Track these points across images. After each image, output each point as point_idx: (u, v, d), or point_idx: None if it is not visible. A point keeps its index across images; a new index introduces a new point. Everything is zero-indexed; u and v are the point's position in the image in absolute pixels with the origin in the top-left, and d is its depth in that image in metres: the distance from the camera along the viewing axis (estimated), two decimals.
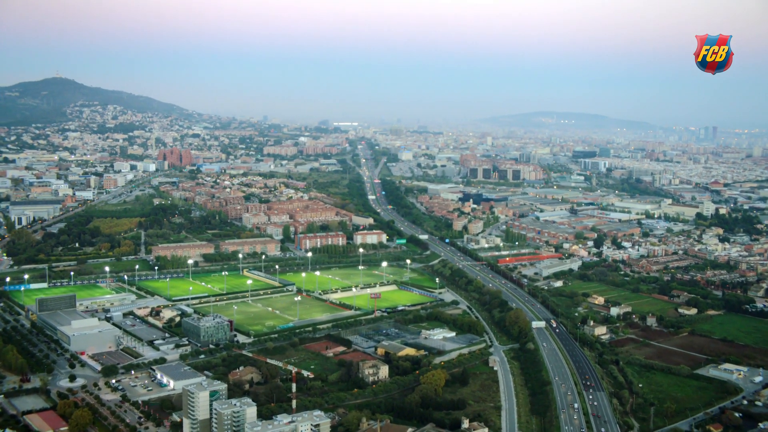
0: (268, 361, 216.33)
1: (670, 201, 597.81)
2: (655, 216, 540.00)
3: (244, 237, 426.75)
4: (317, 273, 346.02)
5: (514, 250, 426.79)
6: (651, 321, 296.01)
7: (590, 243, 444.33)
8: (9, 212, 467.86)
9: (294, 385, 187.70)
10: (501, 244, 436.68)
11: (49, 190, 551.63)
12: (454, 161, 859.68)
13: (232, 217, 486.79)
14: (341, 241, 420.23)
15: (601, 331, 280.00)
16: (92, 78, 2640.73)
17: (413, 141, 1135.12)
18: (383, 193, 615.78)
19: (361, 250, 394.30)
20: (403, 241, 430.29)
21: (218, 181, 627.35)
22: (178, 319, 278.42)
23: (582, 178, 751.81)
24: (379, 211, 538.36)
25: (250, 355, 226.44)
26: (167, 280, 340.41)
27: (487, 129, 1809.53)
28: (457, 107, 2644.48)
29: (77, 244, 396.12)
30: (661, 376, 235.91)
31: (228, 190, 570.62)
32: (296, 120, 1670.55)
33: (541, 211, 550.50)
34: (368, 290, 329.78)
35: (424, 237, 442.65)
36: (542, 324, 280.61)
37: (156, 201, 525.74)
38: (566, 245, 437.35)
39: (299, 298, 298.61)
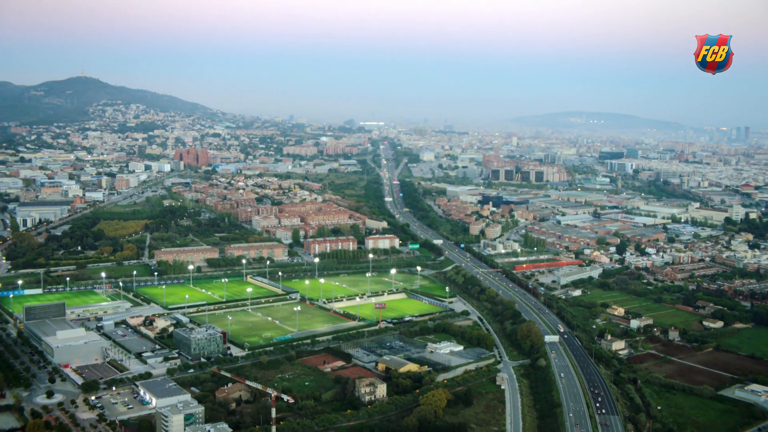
0: (247, 383, 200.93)
1: (698, 205, 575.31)
2: (682, 220, 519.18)
3: (251, 241, 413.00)
4: (321, 280, 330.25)
5: (532, 256, 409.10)
6: (673, 335, 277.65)
7: (612, 249, 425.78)
8: (16, 213, 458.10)
9: (273, 410, 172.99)
10: (519, 250, 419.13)
11: (59, 191, 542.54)
12: (477, 162, 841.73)
13: (242, 219, 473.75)
14: (352, 245, 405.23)
15: (619, 345, 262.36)
16: (117, 77, 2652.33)
17: (436, 141, 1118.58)
18: (401, 195, 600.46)
19: (371, 255, 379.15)
20: (417, 246, 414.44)
21: (232, 182, 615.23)
22: (171, 329, 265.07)
23: (607, 179, 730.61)
24: (395, 214, 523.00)
25: (229, 375, 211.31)
26: (165, 286, 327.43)
27: (514, 129, 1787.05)
28: (485, 107, 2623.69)
29: (79, 248, 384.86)
30: (682, 397, 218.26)
31: (241, 191, 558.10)
32: (322, 119, 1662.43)
33: (563, 214, 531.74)
34: (374, 299, 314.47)
35: (438, 242, 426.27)
36: (556, 338, 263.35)
37: (166, 202, 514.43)
38: (587, 251, 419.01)
39: (299, 308, 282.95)
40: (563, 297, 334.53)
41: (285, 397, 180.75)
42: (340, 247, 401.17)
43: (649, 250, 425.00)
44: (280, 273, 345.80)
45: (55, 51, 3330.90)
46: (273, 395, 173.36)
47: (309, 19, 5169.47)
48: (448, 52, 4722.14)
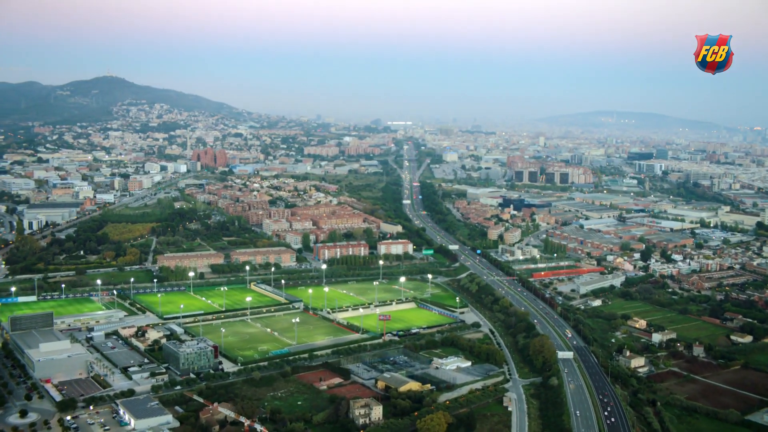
0: (220, 409, 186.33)
1: (728, 208, 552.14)
2: (711, 225, 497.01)
3: (260, 246, 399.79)
4: (326, 289, 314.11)
5: (551, 263, 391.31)
6: (698, 350, 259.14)
7: (637, 255, 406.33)
8: (24, 216, 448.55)
9: None
10: (538, 256, 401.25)
11: (70, 192, 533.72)
12: (501, 163, 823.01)
13: (253, 222, 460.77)
14: (363, 251, 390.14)
15: (638, 362, 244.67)
16: (143, 77, 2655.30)
17: (462, 141, 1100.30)
18: (420, 197, 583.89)
19: (381, 262, 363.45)
20: (431, 252, 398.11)
21: (247, 183, 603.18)
22: (164, 340, 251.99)
23: (635, 181, 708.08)
24: (412, 217, 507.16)
25: (201, 400, 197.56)
26: (163, 294, 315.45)
27: (543, 129, 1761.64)
28: (515, 106, 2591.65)
29: (82, 252, 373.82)
30: (705, 422, 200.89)
31: (255, 193, 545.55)
32: (349, 119, 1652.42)
33: (587, 218, 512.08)
34: (380, 309, 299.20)
35: (454, 247, 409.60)
36: (570, 354, 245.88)
37: (177, 205, 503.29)
38: (610, 258, 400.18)
39: (297, 319, 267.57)
40: (582, 307, 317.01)
41: (258, 428, 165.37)
42: (351, 253, 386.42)
43: (676, 256, 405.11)
44: (283, 281, 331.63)
45: (82, 51, 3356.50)
46: (246, 424, 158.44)
47: (339, 19, 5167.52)
48: (479, 51, 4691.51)
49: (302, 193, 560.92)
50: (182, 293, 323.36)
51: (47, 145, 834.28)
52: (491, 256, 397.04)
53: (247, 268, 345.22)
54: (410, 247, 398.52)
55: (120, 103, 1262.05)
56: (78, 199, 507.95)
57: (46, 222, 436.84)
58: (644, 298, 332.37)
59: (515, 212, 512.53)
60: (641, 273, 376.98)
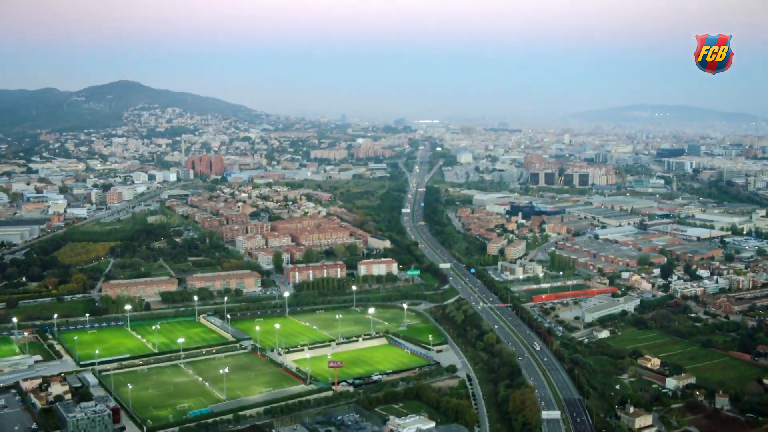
0: None
1: (764, 211, 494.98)
2: (744, 232, 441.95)
3: (227, 267, 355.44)
4: (277, 326, 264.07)
5: (557, 282, 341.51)
6: (721, 401, 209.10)
7: (656, 271, 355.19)
8: None
9: None
10: (541, 274, 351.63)
11: (43, 207, 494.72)
12: (519, 163, 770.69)
13: (227, 239, 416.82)
14: (340, 272, 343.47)
15: (644, 421, 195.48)
16: (161, 80, 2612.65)
17: (482, 140, 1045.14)
18: (422, 204, 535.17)
19: (354, 287, 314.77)
20: (417, 272, 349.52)
21: (236, 192, 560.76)
22: (69, 396, 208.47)
23: (662, 181, 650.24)
24: (408, 228, 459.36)
25: None
26: (95, 330, 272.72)
27: (573, 124, 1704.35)
28: (547, 102, 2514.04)
29: (24, 279, 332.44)
30: None
31: (240, 204, 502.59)
32: (376, 118, 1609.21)
33: (603, 226, 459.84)
34: (341, 349, 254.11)
35: (445, 266, 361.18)
36: (557, 414, 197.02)
37: (151, 219, 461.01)
38: (625, 275, 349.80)
39: (227, 369, 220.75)
40: (585, 340, 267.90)
41: None
42: (325, 275, 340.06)
43: (701, 272, 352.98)
44: (229, 315, 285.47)
45: (101, 56, 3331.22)
46: None
47: (365, 16, 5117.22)
48: (511, 46, 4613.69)
49: (291, 203, 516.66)
50: (119, 329, 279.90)
51: (44, 154, 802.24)
52: (488, 276, 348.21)
53: (196, 297, 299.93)
54: (395, 267, 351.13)
55: (132, 108, 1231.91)
56: (47, 215, 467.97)
57: (2, 242, 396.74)
58: (661, 327, 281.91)
59: (523, 221, 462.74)
60: (660, 293, 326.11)
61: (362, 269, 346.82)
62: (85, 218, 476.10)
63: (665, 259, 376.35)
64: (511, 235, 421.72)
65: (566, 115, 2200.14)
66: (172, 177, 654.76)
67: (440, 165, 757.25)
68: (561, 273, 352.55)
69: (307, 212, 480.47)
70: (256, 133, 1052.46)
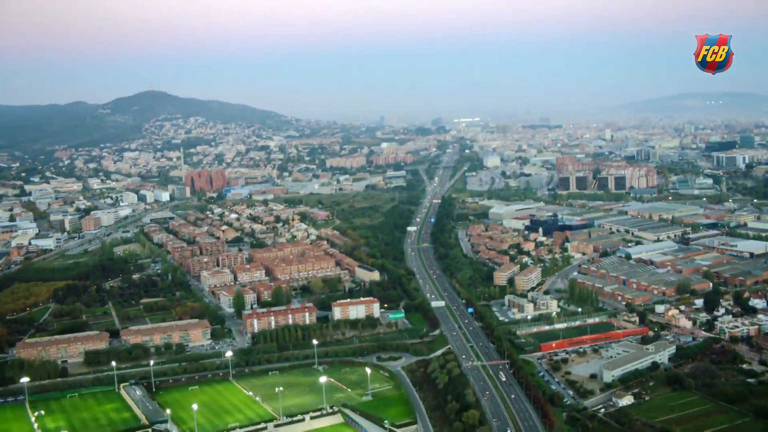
0: None
1: None
2: None
3: (179, 312, 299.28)
4: (195, 406, 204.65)
5: (575, 321, 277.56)
6: None
7: (699, 302, 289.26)
8: None
9: None
10: (555, 312, 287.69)
11: (9, 238, 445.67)
12: (551, 165, 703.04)
13: (195, 273, 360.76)
14: (308, 317, 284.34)
15: None
16: (190, 90, 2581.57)
17: (516, 140, 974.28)
18: (433, 220, 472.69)
19: (315, 341, 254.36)
20: (401, 314, 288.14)
21: (226, 213, 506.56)
22: None
23: (710, 180, 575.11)
24: (409, 252, 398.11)
25: None
26: None
27: (618, 117, 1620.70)
28: (594, 94, 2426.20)
29: None
30: None
31: (225, 228, 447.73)
32: (415, 118, 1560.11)
33: (638, 242, 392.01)
34: (287, 430, 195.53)
35: (439, 304, 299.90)
36: None
37: (121, 250, 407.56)
38: (660, 308, 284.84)
39: None
40: (602, 411, 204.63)
41: None
42: (291, 321, 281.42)
43: (756, 301, 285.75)
44: (158, 382, 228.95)
45: (131, 68, 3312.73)
46: None
47: (407, 15, 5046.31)
48: (556, 39, 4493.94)
49: (282, 224, 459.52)
50: (18, 407, 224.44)
51: (48, 173, 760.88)
52: (489, 316, 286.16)
53: (114, 363, 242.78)
54: (376, 308, 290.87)
55: (154, 119, 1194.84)
56: (8, 248, 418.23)
57: None
58: (703, 386, 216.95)
59: (543, 238, 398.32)
60: (703, 333, 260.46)
61: (337, 312, 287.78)
62: (51, 250, 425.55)
63: (710, 284, 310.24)
64: (525, 259, 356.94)
65: (613, 107, 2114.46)
66: (165, 196, 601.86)
67: (464, 170, 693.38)
68: (580, 310, 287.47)
69: (296, 236, 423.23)
70: (278, 140, 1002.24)
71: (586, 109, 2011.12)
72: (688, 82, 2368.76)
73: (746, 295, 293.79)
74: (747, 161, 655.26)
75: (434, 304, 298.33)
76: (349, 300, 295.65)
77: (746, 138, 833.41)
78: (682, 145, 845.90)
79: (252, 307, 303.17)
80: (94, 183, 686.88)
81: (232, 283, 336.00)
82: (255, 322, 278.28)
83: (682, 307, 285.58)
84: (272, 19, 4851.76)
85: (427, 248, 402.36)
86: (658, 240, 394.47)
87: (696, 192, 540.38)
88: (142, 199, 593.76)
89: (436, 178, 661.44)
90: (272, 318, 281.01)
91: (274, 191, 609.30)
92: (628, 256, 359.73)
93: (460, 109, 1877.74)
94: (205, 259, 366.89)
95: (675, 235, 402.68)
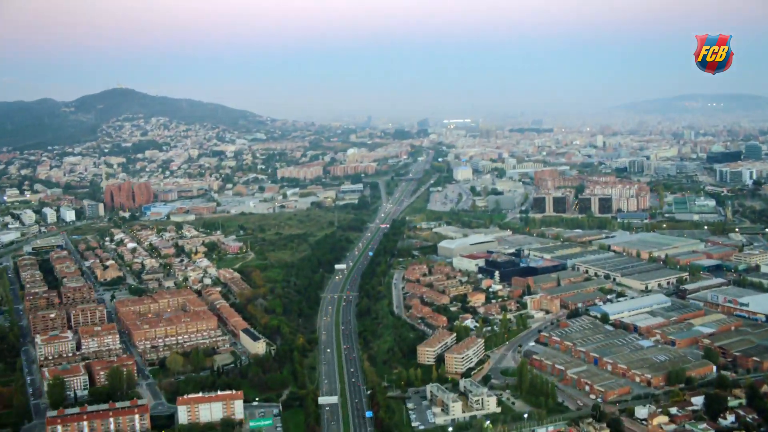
0: None
1: None
2: None
3: None
4: None
5: None
6: None
7: (697, 402, 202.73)
8: None
9: None
10: (488, 424, 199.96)
11: None
12: (529, 178, 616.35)
13: (35, 333, 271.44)
14: (139, 423, 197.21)
15: None
16: (163, 87, 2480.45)
17: (497, 147, 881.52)
18: (371, 254, 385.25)
19: None
20: (267, 422, 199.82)
21: (126, 240, 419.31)
22: None
23: (712, 202, 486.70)
24: (326, 305, 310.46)
25: None
26: None
27: (615, 119, 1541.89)
28: (592, 93, 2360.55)
29: None
30: None
31: (111, 263, 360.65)
32: (404, 118, 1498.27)
33: (619, 294, 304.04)
34: None
35: (329, 400, 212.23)
36: None
37: None
38: (641, 411, 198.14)
39: None
40: None
41: None
42: (112, 428, 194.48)
43: None
44: None
45: (102, 64, 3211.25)
46: None
47: (398, 11, 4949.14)
48: (552, 37, 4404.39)
49: (179, 260, 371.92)
50: None
51: None
52: (399, 418, 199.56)
53: None
54: (239, 407, 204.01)
55: (114, 118, 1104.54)
56: None
57: None
58: None
59: (499, 286, 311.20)
60: None
61: (182, 412, 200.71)
62: None
63: (713, 367, 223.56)
64: (467, 321, 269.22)
65: (611, 107, 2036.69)
66: (70, 215, 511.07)
67: (429, 185, 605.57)
68: (526, 416, 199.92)
69: (189, 278, 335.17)
70: (240, 144, 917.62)
71: (584, 109, 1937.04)
72: (688, 83, 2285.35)
73: (765, 388, 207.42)
74: (754, 176, 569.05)
75: (324, 400, 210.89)
76: (200, 395, 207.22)
77: (752, 147, 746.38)
78: (680, 154, 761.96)
79: (76, 398, 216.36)
80: (13, 195, 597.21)
81: (72, 354, 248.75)
82: (58, 428, 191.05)
83: (674, 410, 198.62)
84: (261, 15, 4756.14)
85: (351, 299, 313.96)
86: (646, 290, 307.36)
87: (695, 218, 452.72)
88: (43, 218, 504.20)
89: (396, 194, 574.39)
90: (84, 424, 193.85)
91: (201, 210, 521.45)
92: (605, 318, 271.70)
93: (454, 108, 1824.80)
94: (52, 315, 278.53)
95: (668, 283, 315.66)
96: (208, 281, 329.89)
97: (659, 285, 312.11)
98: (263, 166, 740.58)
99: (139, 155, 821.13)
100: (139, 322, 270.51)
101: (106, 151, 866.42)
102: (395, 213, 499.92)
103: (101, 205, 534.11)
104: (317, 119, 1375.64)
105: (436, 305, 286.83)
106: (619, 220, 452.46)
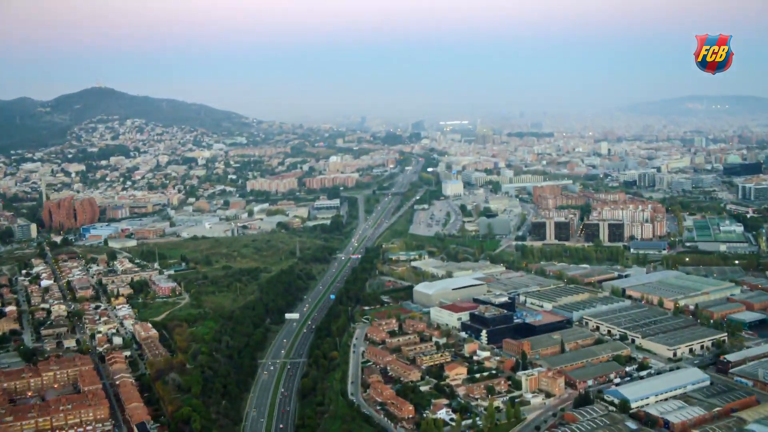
0: None
1: None
2: None
3: None
4: None
5: None
6: None
7: None
8: None
9: None
10: None
11: None
12: (527, 193, 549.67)
13: None
14: None
15: None
16: (146, 87, 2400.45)
17: (493, 156, 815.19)
18: (332, 297, 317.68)
19: None
20: None
21: (45, 274, 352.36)
22: None
23: (740, 227, 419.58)
24: (265, 376, 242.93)
25: None
26: None
27: (618, 122, 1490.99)
28: (594, 94, 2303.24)
29: None
30: None
31: (9, 309, 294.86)
32: (399, 120, 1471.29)
33: (639, 367, 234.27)
34: None
35: None
36: None
37: None
38: None
39: None
40: None
41: None
42: None
43: None
44: None
45: (85, 62, 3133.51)
46: None
47: (404, 11, 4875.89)
48: (554, 35, 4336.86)
49: (97, 308, 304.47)
50: None
51: None
52: None
53: None
54: None
55: (88, 120, 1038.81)
56: None
57: None
58: None
59: (487, 352, 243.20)
60: None
61: None
62: None
63: None
64: (440, 412, 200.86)
65: (613, 108, 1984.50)
66: None
67: (414, 201, 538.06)
68: None
69: (99, 333, 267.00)
70: (217, 149, 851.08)
71: (584, 110, 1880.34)
72: (689, 84, 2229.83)
73: None
74: None
75: None
76: None
77: None
78: (693, 164, 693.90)
79: None
80: None
81: None
82: None
83: None
84: (255, 12, 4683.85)
85: (295, 369, 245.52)
86: (674, 358, 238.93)
87: (722, 247, 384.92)
88: None
89: (376, 212, 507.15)
90: None
91: (146, 233, 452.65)
92: (624, 406, 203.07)
93: (451, 109, 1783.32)
94: None
95: (703, 348, 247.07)
96: (118, 341, 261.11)
97: (691, 351, 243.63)
98: (234, 176, 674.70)
99: (104, 162, 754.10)
100: (2, 410, 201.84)
101: (70, 156, 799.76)
102: (371, 237, 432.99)
103: (34, 226, 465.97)
104: (308, 120, 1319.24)
105: (403, 384, 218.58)
106: (633, 251, 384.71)
